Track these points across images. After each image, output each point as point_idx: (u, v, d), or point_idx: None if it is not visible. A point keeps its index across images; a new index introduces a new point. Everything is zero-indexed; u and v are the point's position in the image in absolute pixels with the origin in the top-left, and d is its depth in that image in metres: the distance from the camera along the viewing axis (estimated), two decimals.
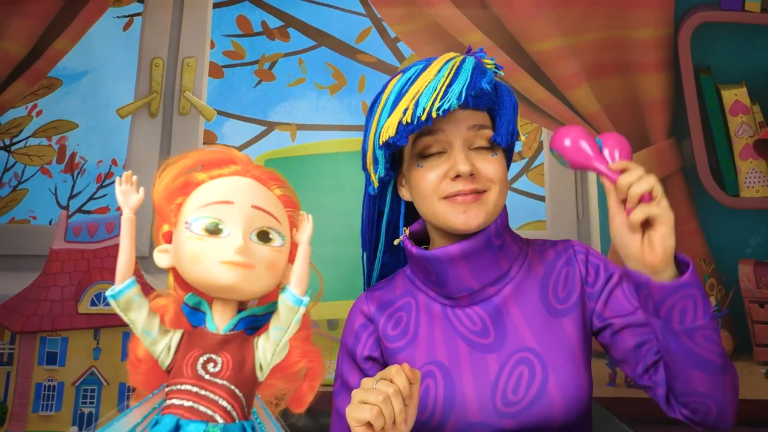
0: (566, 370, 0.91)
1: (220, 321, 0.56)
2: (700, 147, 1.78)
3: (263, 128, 1.86)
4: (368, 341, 0.98)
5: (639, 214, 0.76)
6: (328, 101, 1.87)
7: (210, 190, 0.58)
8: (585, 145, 0.81)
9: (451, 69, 0.88)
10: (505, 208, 0.97)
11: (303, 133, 1.86)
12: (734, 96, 1.77)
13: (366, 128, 0.98)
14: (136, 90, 1.85)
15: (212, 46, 1.88)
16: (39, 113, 1.85)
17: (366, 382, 0.77)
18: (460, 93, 0.86)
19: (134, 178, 0.56)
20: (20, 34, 1.82)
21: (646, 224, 0.77)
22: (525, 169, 1.85)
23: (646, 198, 0.76)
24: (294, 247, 0.60)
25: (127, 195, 0.56)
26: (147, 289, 0.58)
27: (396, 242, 1.00)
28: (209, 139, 1.83)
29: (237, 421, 0.53)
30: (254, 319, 0.57)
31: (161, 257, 0.58)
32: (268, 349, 0.56)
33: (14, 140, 1.84)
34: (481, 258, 0.93)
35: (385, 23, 1.88)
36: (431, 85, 0.87)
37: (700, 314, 0.78)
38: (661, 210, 0.76)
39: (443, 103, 0.85)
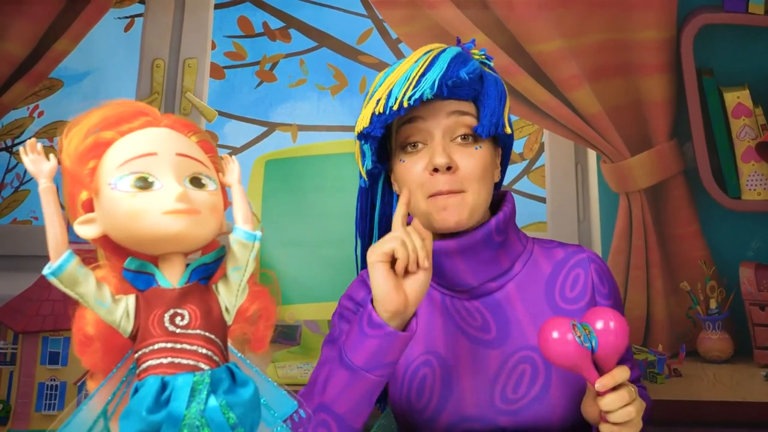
0: (570, 374, 0.89)
1: (171, 277, 0.53)
2: (702, 149, 1.78)
3: (264, 129, 1.86)
4: None
5: (606, 431, 0.78)
6: (330, 102, 1.87)
7: (127, 145, 0.53)
8: (571, 347, 0.76)
9: (427, 59, 0.87)
10: (513, 205, 0.96)
11: (304, 134, 1.86)
12: (737, 98, 1.77)
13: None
14: (137, 91, 1.86)
15: (213, 46, 1.88)
16: (40, 114, 1.85)
17: (398, 231, 0.81)
18: (434, 82, 0.84)
19: (39, 145, 0.51)
20: (21, 35, 1.82)
21: None
22: (526, 170, 1.85)
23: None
24: (225, 192, 0.57)
25: (38, 164, 0.51)
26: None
27: None
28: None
29: (221, 365, 0.52)
30: (206, 268, 0.54)
31: (85, 228, 0.53)
32: (230, 291, 0.54)
33: (16, 141, 1.85)
34: (479, 254, 0.91)
35: (387, 24, 1.88)
36: (405, 74, 0.86)
37: None
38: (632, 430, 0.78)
39: (415, 92, 0.84)
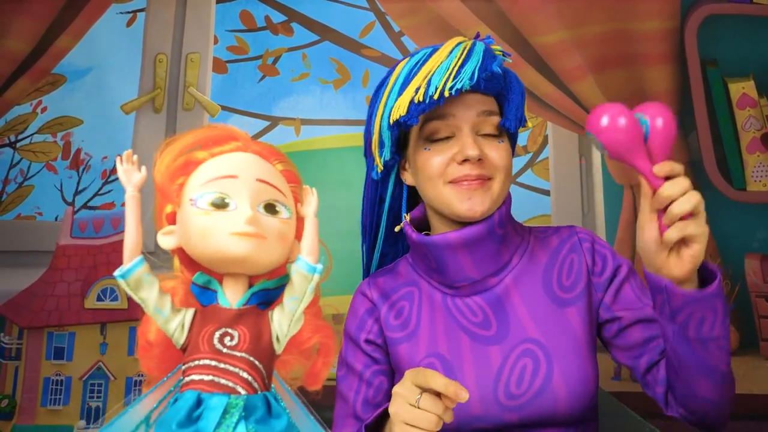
0: (571, 362, 0.89)
1: (232, 297, 0.55)
2: (707, 140, 1.77)
3: (267, 123, 1.86)
4: (373, 327, 0.97)
5: (676, 233, 0.72)
6: (332, 96, 1.87)
7: (213, 166, 0.57)
8: (624, 131, 0.71)
9: (463, 50, 0.87)
10: (509, 197, 0.96)
11: (307, 128, 1.86)
12: (741, 89, 1.76)
13: (371, 112, 0.96)
14: (140, 86, 1.86)
15: (216, 41, 1.88)
16: (44, 110, 1.85)
17: (406, 392, 0.71)
18: (473, 74, 0.85)
19: (135, 157, 0.55)
20: (24, 31, 1.83)
21: (679, 240, 0.73)
22: (530, 163, 1.84)
23: (686, 215, 0.71)
24: (300, 222, 0.59)
25: (129, 174, 0.55)
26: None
27: (397, 229, 0.99)
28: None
29: (259, 392, 0.53)
30: (266, 294, 0.56)
31: (166, 239, 0.57)
32: (284, 320, 0.55)
33: (19, 137, 1.85)
34: (483, 247, 0.91)
35: (389, 17, 1.87)
36: (443, 64, 0.86)
37: (718, 325, 0.76)
38: (700, 229, 0.72)
39: (456, 82, 0.84)
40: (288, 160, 0.62)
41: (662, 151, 0.73)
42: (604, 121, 0.71)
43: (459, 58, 0.86)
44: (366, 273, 1.09)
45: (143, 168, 0.55)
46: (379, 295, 0.98)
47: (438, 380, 0.69)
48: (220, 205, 0.54)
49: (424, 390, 0.71)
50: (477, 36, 0.94)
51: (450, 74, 0.85)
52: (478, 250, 0.91)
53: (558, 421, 0.89)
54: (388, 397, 0.96)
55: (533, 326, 0.91)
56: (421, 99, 0.85)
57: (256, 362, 0.53)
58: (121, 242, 0.55)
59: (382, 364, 0.96)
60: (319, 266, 0.56)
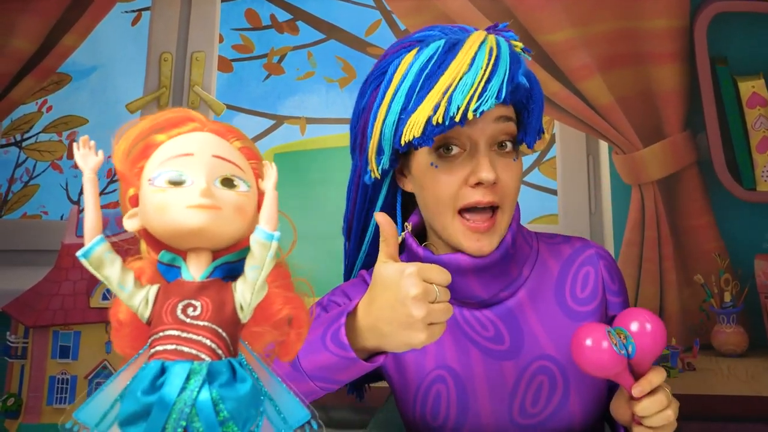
0: (587, 379, 0.86)
1: (195, 271, 0.56)
2: (716, 140, 1.75)
3: (272, 122, 1.86)
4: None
5: None
6: (338, 95, 1.86)
7: (170, 146, 0.57)
8: (606, 354, 0.73)
9: (489, 58, 0.76)
10: (517, 205, 0.89)
11: (312, 126, 1.86)
12: (751, 88, 1.74)
13: (362, 109, 0.87)
14: (145, 85, 1.86)
15: (221, 40, 1.88)
16: (49, 109, 1.86)
17: (425, 287, 0.70)
18: (500, 90, 0.74)
19: (92, 142, 0.57)
20: (29, 31, 1.83)
21: None
22: (537, 162, 1.83)
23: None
24: (261, 198, 0.60)
25: (86, 158, 0.56)
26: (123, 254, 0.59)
27: (398, 239, 0.89)
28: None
29: (224, 358, 0.53)
30: (229, 267, 0.57)
31: (130, 222, 0.58)
32: (247, 289, 0.56)
33: (25, 136, 1.85)
34: (493, 270, 0.85)
35: (395, 16, 1.86)
36: (467, 79, 0.75)
37: None
38: None
39: (481, 102, 0.73)
40: (246, 137, 0.62)
41: (645, 363, 0.75)
42: (588, 342, 0.74)
43: (485, 71, 0.75)
44: (348, 274, 1.02)
45: (100, 152, 0.57)
46: None
47: (442, 275, 0.71)
48: (177, 182, 0.55)
49: (433, 282, 0.71)
50: (496, 26, 0.83)
51: (476, 91, 0.74)
52: (488, 273, 0.85)
53: None
54: None
55: (548, 342, 0.87)
56: (440, 121, 0.74)
57: (220, 330, 0.54)
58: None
59: None
60: (277, 233, 0.56)
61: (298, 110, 1.86)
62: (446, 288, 0.72)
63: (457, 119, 0.73)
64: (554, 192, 1.82)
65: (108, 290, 1.73)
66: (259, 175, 0.61)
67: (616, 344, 0.73)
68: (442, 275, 0.71)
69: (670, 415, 0.75)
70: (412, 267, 0.71)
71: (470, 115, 0.73)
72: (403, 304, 0.70)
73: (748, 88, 1.74)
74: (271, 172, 0.60)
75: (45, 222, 1.82)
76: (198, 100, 1.85)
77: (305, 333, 0.61)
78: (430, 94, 0.76)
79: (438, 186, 0.82)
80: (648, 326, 0.74)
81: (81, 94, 1.85)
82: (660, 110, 1.79)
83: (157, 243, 0.58)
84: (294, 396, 0.59)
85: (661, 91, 1.79)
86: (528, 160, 1.81)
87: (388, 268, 0.73)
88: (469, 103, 0.73)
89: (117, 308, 0.58)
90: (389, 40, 1.87)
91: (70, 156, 1.85)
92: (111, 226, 1.81)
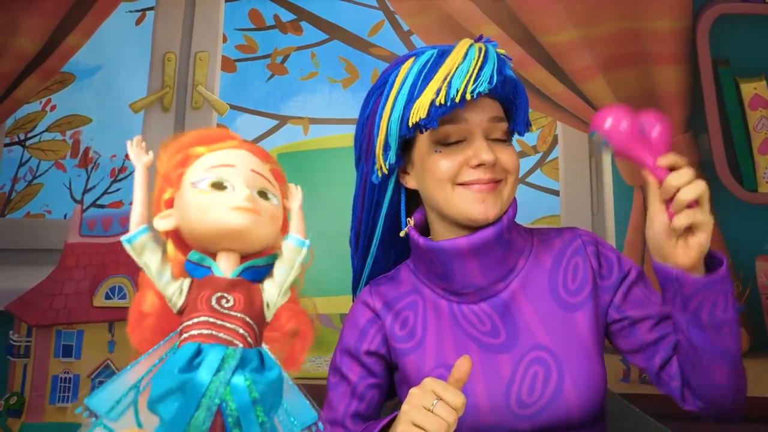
0: (582, 367, 0.89)
1: (225, 270, 0.60)
2: (718, 141, 1.75)
3: (276, 122, 1.86)
4: (376, 337, 0.95)
5: (684, 220, 0.76)
6: (341, 95, 1.86)
7: (212, 157, 0.62)
8: (629, 129, 0.77)
9: (480, 52, 0.87)
10: (515, 201, 0.94)
11: (316, 127, 1.86)
12: (753, 89, 1.74)
13: (366, 117, 0.95)
14: (148, 85, 1.86)
15: (225, 40, 1.88)
16: (53, 108, 1.86)
17: (424, 396, 0.75)
18: (491, 76, 0.84)
19: (143, 143, 0.62)
20: (33, 30, 1.83)
21: (686, 228, 0.77)
22: (539, 163, 1.83)
23: (692, 203, 0.76)
24: (285, 216, 0.65)
25: (138, 156, 0.61)
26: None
27: (402, 234, 0.96)
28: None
29: (254, 347, 0.57)
30: (256, 271, 0.61)
31: (163, 222, 0.62)
32: (274, 289, 0.60)
33: (29, 135, 1.86)
34: (491, 253, 0.90)
35: (398, 16, 1.87)
36: (463, 67, 0.85)
37: (729, 307, 0.80)
38: (705, 217, 0.77)
39: (477, 85, 0.83)
40: (276, 162, 0.68)
41: (663, 147, 0.78)
42: (609, 119, 0.78)
43: (477, 60, 0.85)
44: (357, 279, 1.07)
45: (150, 152, 0.62)
46: (382, 305, 0.96)
47: (456, 399, 0.73)
48: (219, 187, 0.59)
49: (441, 398, 0.74)
50: (480, 38, 0.93)
51: (471, 76, 0.84)
52: (486, 256, 0.90)
53: (571, 426, 0.88)
54: (379, 411, 0.96)
55: (542, 332, 0.91)
56: (442, 101, 0.84)
57: (251, 322, 0.58)
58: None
59: (378, 378, 0.95)
60: (307, 241, 0.62)
61: (301, 110, 1.86)
62: (452, 410, 0.73)
63: (457, 100, 0.83)
64: (556, 193, 1.82)
65: (111, 289, 1.74)
66: (284, 195, 0.66)
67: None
68: (457, 399, 0.74)
69: (703, 184, 0.76)
70: (432, 379, 0.76)
71: (468, 96, 0.83)
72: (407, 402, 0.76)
73: (750, 89, 1.75)
74: (296, 193, 0.66)
75: (48, 221, 1.83)
76: (201, 100, 1.85)
77: (309, 344, 0.65)
78: (431, 82, 0.86)
79: (439, 167, 0.90)
80: (656, 125, 0.78)
81: (85, 94, 1.85)
82: (662, 111, 1.77)
83: (185, 246, 0.62)
84: (303, 397, 0.62)
85: (664, 93, 1.79)
86: (531, 161, 1.82)
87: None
88: (466, 86, 0.83)
89: (142, 299, 0.62)
90: (392, 41, 1.88)
91: (74, 155, 1.85)
92: (114, 224, 1.81)
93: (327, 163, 1.82)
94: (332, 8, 1.88)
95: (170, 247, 0.63)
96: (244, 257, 0.61)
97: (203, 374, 0.53)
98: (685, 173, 0.76)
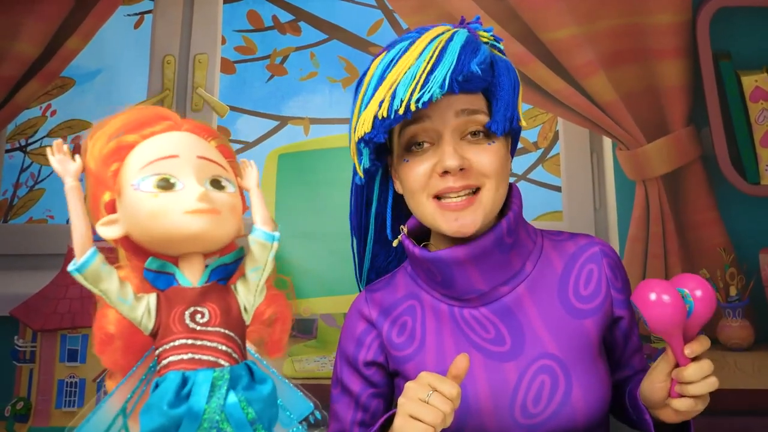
0: (589, 376, 0.86)
1: (191, 276, 0.54)
2: (720, 135, 1.75)
3: (276, 123, 1.86)
4: (372, 346, 0.92)
5: (683, 408, 0.77)
6: (341, 95, 1.86)
7: (149, 148, 0.55)
8: (671, 307, 0.73)
9: (435, 50, 0.77)
10: (520, 200, 0.90)
11: (316, 127, 1.86)
12: (755, 82, 1.74)
13: (351, 113, 0.88)
14: (148, 88, 1.86)
15: (223, 41, 1.88)
16: (53, 113, 1.86)
17: (420, 388, 0.74)
18: (444, 80, 0.75)
19: (65, 147, 0.54)
20: (33, 34, 1.83)
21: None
22: (541, 159, 1.83)
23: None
24: (242, 195, 0.59)
25: (64, 163, 0.53)
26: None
27: (395, 243, 0.93)
28: (223, 135, 1.83)
29: (240, 362, 0.53)
30: (225, 269, 0.56)
31: (108, 229, 0.54)
32: (249, 291, 0.55)
33: (30, 141, 1.85)
34: (491, 259, 0.86)
35: (397, 15, 1.86)
36: (410, 72, 0.76)
37: None
38: (703, 407, 0.78)
39: (423, 93, 0.75)
40: (220, 135, 0.61)
41: (696, 328, 0.76)
42: (652, 296, 0.74)
43: (428, 62, 0.77)
44: (359, 273, 1.05)
45: (76, 157, 0.53)
46: (378, 313, 0.93)
47: (452, 390, 0.73)
48: (166, 186, 0.52)
49: (436, 390, 0.73)
50: (462, 20, 0.85)
51: (417, 83, 0.76)
52: (486, 262, 0.86)
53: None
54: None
55: (550, 340, 0.87)
56: (385, 114, 0.77)
57: (232, 334, 0.53)
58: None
59: (379, 387, 0.93)
60: (277, 234, 0.55)
61: (301, 111, 1.86)
62: (447, 400, 0.73)
63: (401, 112, 0.76)
64: (558, 189, 1.82)
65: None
66: (237, 173, 0.59)
67: (684, 296, 0.75)
68: (452, 389, 0.73)
69: (715, 381, 0.76)
70: (427, 373, 0.76)
71: (413, 106, 0.75)
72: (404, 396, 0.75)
73: (751, 82, 1.74)
74: (250, 170, 0.59)
75: (51, 226, 1.82)
76: (201, 102, 1.85)
77: (289, 327, 0.62)
78: (377, 91, 0.79)
79: (410, 177, 0.84)
80: (703, 291, 0.75)
81: (85, 98, 1.85)
82: (664, 106, 1.79)
83: (140, 251, 0.55)
84: (296, 390, 0.59)
85: (665, 87, 1.79)
86: (532, 157, 1.81)
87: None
88: (411, 95, 0.75)
89: (104, 321, 0.55)
90: (392, 40, 1.87)
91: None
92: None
93: (328, 163, 1.82)
94: (331, 8, 1.88)
95: (122, 254, 0.57)
96: (207, 255, 0.56)
97: (196, 404, 0.49)
98: (703, 369, 0.75)
